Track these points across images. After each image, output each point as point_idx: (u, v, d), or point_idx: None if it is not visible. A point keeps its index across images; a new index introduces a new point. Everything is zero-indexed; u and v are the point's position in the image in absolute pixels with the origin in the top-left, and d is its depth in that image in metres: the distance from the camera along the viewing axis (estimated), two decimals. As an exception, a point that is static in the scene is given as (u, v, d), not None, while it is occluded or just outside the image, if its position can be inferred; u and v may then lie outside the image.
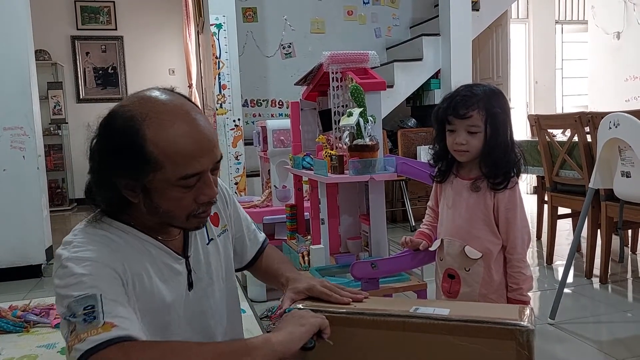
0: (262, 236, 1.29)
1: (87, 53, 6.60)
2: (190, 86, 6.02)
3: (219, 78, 3.95)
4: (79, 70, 6.60)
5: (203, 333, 1.05)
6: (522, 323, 0.85)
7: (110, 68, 6.74)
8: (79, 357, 0.81)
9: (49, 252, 3.63)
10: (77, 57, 6.57)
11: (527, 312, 0.91)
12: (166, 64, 6.78)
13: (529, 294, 1.43)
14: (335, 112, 2.24)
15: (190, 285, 1.04)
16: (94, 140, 0.94)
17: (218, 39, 3.90)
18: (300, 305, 1.03)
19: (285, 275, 1.17)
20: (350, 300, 1.02)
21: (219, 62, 3.91)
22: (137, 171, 0.90)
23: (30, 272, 3.50)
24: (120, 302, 0.88)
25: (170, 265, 1.01)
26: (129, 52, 6.70)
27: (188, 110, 0.93)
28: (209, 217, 1.08)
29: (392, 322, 0.92)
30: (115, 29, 6.60)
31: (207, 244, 1.09)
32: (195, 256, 1.06)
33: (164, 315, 0.99)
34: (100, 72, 6.73)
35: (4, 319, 2.57)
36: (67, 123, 6.54)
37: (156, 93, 0.94)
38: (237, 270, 1.25)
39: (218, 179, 1.09)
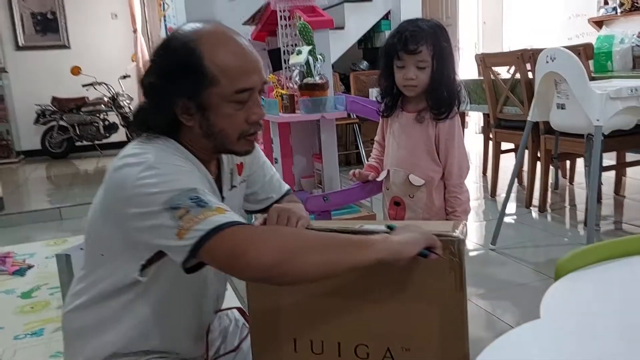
0: (285, 186, 1.32)
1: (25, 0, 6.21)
2: (135, 31, 5.79)
3: (165, 21, 3.82)
4: (15, 16, 6.21)
5: (201, 275, 1.04)
6: (453, 234, 0.93)
7: (49, 13, 6.37)
8: (203, 235, 0.83)
9: (-1, 203, 3.56)
10: (12, 2, 6.17)
11: (461, 226, 0.99)
12: (108, 8, 6.46)
13: (467, 217, 1.55)
14: (284, 51, 2.25)
15: None
16: (152, 65, 0.98)
17: (162, -21, 3.76)
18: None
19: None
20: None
21: (163, 3, 3.78)
22: (195, 87, 0.95)
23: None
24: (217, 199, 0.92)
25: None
26: (68, 3, 6.34)
27: (233, 33, 1.00)
28: (236, 166, 1.14)
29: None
30: (51, -28, 6.22)
31: (230, 190, 1.13)
32: (227, 197, 1.10)
33: None
34: (39, 17, 6.35)
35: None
36: (7, 72, 6.22)
37: (212, 22, 1.00)
38: (254, 212, 1.28)
39: None
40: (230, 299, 2.34)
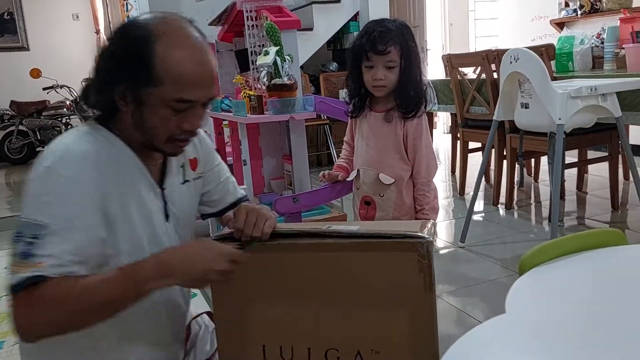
0: (242, 192, 1.31)
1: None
2: (97, 32, 5.67)
3: (130, 22, 3.75)
4: (-32, 16, 6.02)
5: None
6: (422, 236, 0.93)
7: (6, 14, 6.17)
8: (13, 285, 0.87)
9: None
10: (-34, 2, 5.97)
11: (429, 225, 1.00)
12: (69, 9, 6.30)
13: (436, 214, 1.57)
14: (251, 52, 2.23)
15: (167, 217, 1.07)
16: (107, 44, 0.97)
17: (126, -20, 3.69)
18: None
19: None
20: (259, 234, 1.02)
21: (127, 4, 3.71)
22: (138, 82, 0.93)
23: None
24: (70, 236, 0.88)
25: (148, 193, 1.03)
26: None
27: (202, 44, 0.98)
28: (189, 161, 1.14)
29: (303, 244, 0.98)
30: (9, -30, 6.04)
31: (182, 184, 1.13)
32: (170, 190, 1.09)
33: (144, 240, 1.01)
34: (-5, 18, 6.16)
35: None
36: (-39, 75, 6.03)
37: (181, 21, 0.98)
38: (209, 216, 1.27)
39: (202, 132, 1.19)
40: (200, 304, 2.31)
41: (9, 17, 6.21)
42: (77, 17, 6.22)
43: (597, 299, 0.76)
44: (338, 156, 4.85)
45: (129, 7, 3.69)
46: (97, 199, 0.92)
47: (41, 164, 0.92)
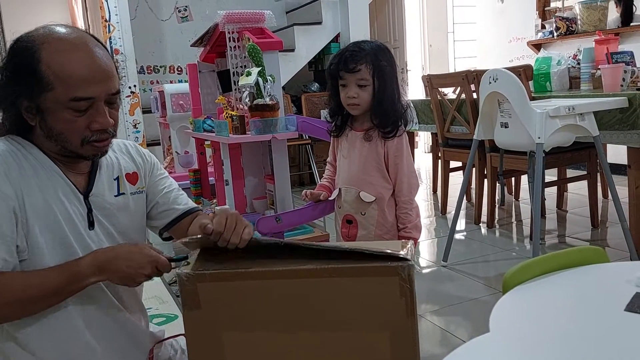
0: (193, 204, 1.29)
1: (-43, 18, 5.94)
2: (80, 53, 5.62)
3: (110, 42, 3.74)
4: (-53, 36, 5.94)
5: None
6: (403, 259, 0.90)
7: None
8: None
9: None
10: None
11: (408, 245, 0.97)
12: (50, 29, 6.28)
13: (419, 232, 1.57)
14: (234, 73, 2.23)
15: (91, 225, 1.07)
16: (2, 62, 1.01)
17: (107, 0, 3.68)
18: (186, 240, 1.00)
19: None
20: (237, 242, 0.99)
21: (109, 25, 3.70)
22: (31, 90, 0.96)
23: None
24: None
25: (69, 198, 1.04)
26: (6, 17, 6.09)
27: (86, 41, 1.00)
28: (125, 175, 1.14)
29: (279, 271, 0.94)
30: (-11, -9, 5.98)
31: (116, 196, 1.13)
32: (98, 198, 1.09)
33: (68, 239, 1.02)
34: (-27, 37, 6.09)
35: None
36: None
37: (60, 27, 1.01)
38: (165, 229, 1.25)
39: (144, 149, 1.23)
40: (176, 326, 2.26)
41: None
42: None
43: (580, 316, 0.76)
44: (320, 175, 4.84)
45: (111, 28, 3.68)
46: (9, 195, 0.95)
47: None
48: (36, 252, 0.98)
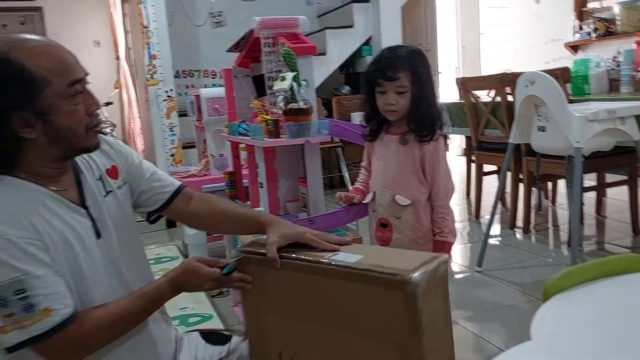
0: (176, 182, 1.29)
1: (5, 26, 6.15)
2: (117, 58, 5.79)
3: (149, 48, 3.83)
4: None
5: (121, 280, 1.09)
6: (411, 275, 0.87)
7: (30, 40, 6.35)
8: (20, 342, 0.90)
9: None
10: None
11: (435, 263, 0.92)
12: (90, 36, 6.45)
13: (454, 237, 1.56)
14: (268, 78, 2.26)
15: (98, 234, 1.06)
16: None
17: (146, 8, 3.77)
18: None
19: (260, 220, 1.17)
20: (338, 248, 1.03)
21: (147, 31, 3.79)
22: (28, 95, 0.92)
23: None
24: (45, 275, 0.92)
25: (72, 216, 1.02)
26: (50, 24, 6.31)
27: (43, 37, 1.01)
28: (106, 171, 1.13)
29: (305, 265, 1.01)
30: (34, 0, 6.20)
31: (105, 196, 1.11)
32: (95, 206, 1.07)
33: (79, 263, 1.01)
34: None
35: None
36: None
37: (7, 35, 1.00)
38: (155, 214, 1.25)
39: (112, 139, 1.21)
40: (211, 325, 2.30)
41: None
42: (98, 43, 6.36)
43: (624, 326, 0.74)
44: (350, 178, 4.85)
45: (150, 34, 3.77)
46: (33, 238, 0.93)
47: None
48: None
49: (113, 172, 1.15)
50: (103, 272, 1.05)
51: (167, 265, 3.13)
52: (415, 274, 0.87)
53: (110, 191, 1.12)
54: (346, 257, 0.99)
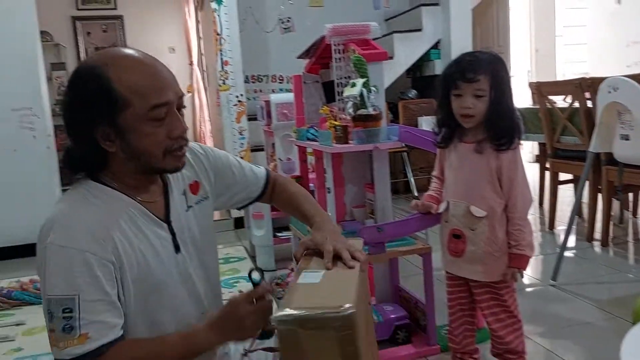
0: (262, 171, 1.34)
1: (89, 33, 6.56)
2: (191, 64, 6.02)
3: (221, 54, 3.95)
4: (80, 51, 6.59)
5: (193, 294, 1.11)
6: (340, 309, 0.83)
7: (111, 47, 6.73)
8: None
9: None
10: (79, 38, 6.55)
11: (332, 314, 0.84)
12: (166, 42, 6.75)
13: (532, 251, 1.50)
14: (338, 84, 2.27)
15: (177, 248, 1.09)
16: (65, 99, 1.00)
17: (219, 15, 3.90)
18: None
19: (314, 220, 1.23)
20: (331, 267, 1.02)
21: (220, 38, 3.92)
22: (109, 112, 0.95)
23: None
24: (98, 302, 0.93)
25: (153, 230, 1.04)
26: (129, 31, 6.66)
27: (144, 55, 1.02)
28: (188, 186, 1.15)
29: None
30: (115, 8, 6.55)
31: (187, 211, 1.13)
32: (177, 220, 1.10)
33: (153, 277, 1.03)
34: (101, 52, 6.71)
35: (27, 292, 2.75)
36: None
37: (119, 47, 1.04)
38: (253, 202, 1.33)
39: (197, 146, 1.22)
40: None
41: (112, 50, 6.75)
42: (173, 50, 6.64)
43: None
44: (416, 184, 4.74)
45: (223, 41, 3.89)
46: (108, 260, 0.95)
47: (43, 241, 0.95)
48: (123, 302, 0.99)
49: (195, 188, 1.18)
50: (178, 286, 1.08)
51: (235, 265, 3.21)
52: (344, 308, 0.83)
53: (190, 206, 1.15)
54: (303, 278, 0.99)
